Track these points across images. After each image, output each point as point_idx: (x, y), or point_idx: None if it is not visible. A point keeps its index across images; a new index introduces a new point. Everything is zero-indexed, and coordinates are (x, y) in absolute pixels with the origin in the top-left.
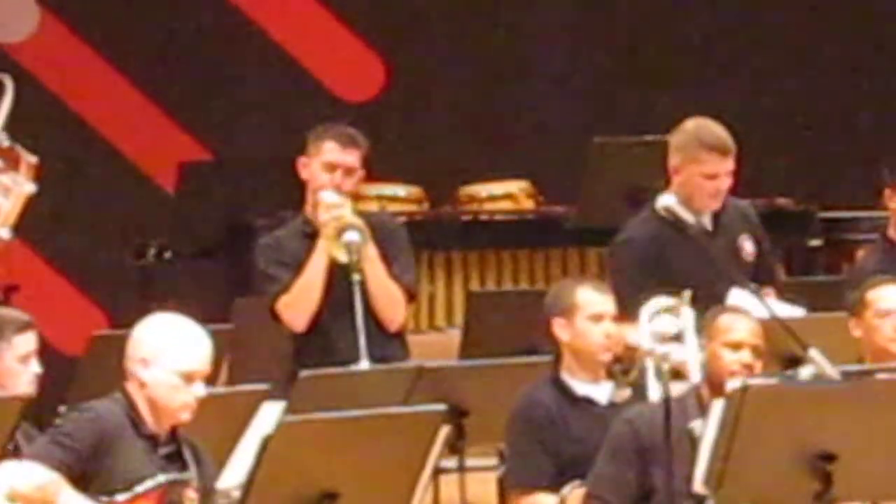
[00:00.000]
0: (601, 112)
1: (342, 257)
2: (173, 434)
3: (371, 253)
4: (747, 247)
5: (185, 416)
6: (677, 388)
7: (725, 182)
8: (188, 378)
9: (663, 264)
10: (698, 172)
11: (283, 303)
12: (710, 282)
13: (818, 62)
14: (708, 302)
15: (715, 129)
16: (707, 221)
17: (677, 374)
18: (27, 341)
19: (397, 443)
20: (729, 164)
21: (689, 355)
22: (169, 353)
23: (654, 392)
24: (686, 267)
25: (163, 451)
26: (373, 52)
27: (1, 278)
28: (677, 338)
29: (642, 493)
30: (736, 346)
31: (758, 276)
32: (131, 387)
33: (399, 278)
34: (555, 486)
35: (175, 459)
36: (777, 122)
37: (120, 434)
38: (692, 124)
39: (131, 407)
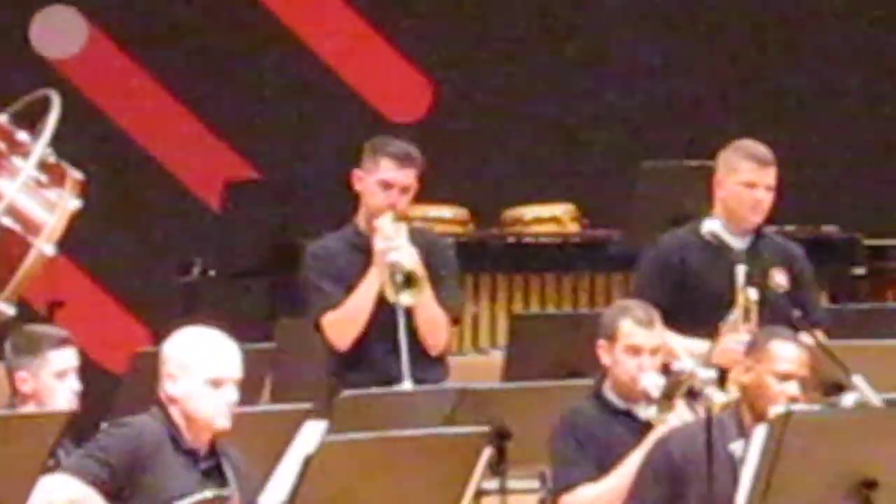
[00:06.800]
0: (645, 137)
1: (400, 300)
2: (213, 448)
3: (422, 283)
4: (777, 278)
5: (222, 423)
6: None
7: (765, 195)
8: (216, 384)
9: (688, 277)
10: (737, 181)
11: (329, 320)
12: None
13: (866, 91)
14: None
15: (755, 144)
16: (743, 246)
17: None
18: (64, 357)
19: (439, 464)
20: (768, 177)
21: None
22: (193, 364)
23: (680, 415)
24: (711, 288)
25: (203, 465)
26: (420, 74)
27: (45, 295)
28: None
29: None
30: (784, 377)
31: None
32: (166, 403)
33: (444, 302)
34: None
35: (215, 474)
36: (823, 151)
37: (158, 449)
38: (735, 141)
39: (169, 422)
